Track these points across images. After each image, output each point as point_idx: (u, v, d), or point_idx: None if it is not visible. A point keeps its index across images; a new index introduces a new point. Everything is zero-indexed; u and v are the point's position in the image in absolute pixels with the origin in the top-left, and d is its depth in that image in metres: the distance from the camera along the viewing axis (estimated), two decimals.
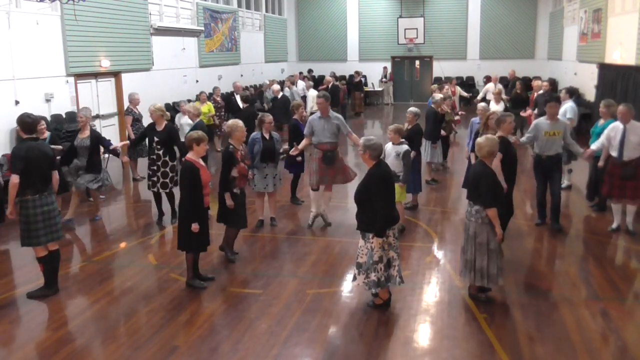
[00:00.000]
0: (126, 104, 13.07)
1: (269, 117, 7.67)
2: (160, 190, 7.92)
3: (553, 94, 11.22)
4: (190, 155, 5.76)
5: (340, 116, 7.74)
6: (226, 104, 14.02)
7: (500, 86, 14.25)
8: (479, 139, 5.41)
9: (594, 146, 7.35)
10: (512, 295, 5.60)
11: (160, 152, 7.82)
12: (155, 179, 7.88)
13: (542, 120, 7.38)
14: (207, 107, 12.59)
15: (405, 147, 7.11)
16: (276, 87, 13.86)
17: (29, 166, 5.46)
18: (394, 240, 5.21)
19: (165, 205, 8.17)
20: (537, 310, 5.27)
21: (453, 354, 4.55)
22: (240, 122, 6.51)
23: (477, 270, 5.29)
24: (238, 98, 13.29)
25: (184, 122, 10.03)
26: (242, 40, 20.41)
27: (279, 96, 13.41)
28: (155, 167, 7.87)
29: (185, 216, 5.71)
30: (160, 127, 7.86)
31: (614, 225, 7.37)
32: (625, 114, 6.94)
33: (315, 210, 7.82)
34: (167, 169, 7.85)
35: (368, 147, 5.05)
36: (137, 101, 11.09)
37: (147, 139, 8.19)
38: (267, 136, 7.56)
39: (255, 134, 7.60)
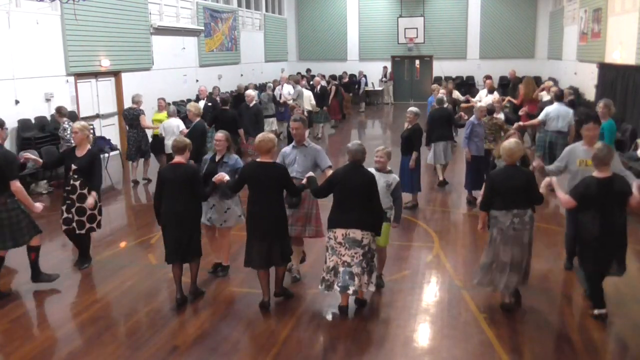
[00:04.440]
0: (129, 103, 13.09)
1: (217, 135, 5.99)
2: (77, 231, 6.24)
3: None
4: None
5: (319, 147, 6.06)
6: None
7: (496, 96, 12.55)
8: (509, 146, 5.16)
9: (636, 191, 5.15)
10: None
11: (77, 184, 6.14)
12: (70, 215, 6.18)
13: (577, 146, 5.92)
14: (164, 116, 10.56)
15: (396, 177, 5.72)
16: (250, 92, 11.86)
17: None
18: (337, 245, 5.05)
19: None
20: (537, 310, 5.27)
21: (453, 354, 4.55)
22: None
23: (528, 274, 5.21)
24: (201, 103, 12.05)
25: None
26: (242, 39, 20.41)
27: (251, 104, 11.49)
28: (69, 202, 6.16)
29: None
30: (81, 152, 6.19)
31: None
32: None
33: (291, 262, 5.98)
34: (85, 205, 6.14)
35: (347, 150, 5.20)
36: (140, 103, 10.69)
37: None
38: (217, 158, 5.99)
39: (210, 153, 6.42)
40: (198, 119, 8.65)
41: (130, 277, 6.27)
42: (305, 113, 9.70)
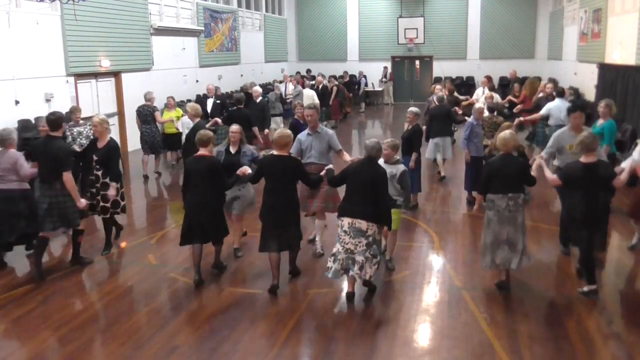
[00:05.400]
0: (130, 103, 13.18)
1: (232, 127, 6.61)
2: (101, 216, 6.87)
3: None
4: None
5: (331, 132, 6.76)
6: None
7: (487, 92, 13.11)
8: (503, 136, 5.67)
9: (625, 173, 5.83)
10: (512, 295, 5.60)
11: (100, 173, 6.70)
12: (94, 202, 6.77)
13: (565, 131, 6.53)
14: (176, 114, 11.51)
15: (402, 167, 6.13)
16: (257, 89, 12.28)
17: (36, 159, 6.37)
18: (342, 233, 5.34)
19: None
20: (537, 310, 5.28)
21: (453, 354, 4.55)
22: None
23: (526, 253, 5.57)
24: (210, 102, 12.58)
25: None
26: (242, 40, 20.41)
27: (258, 100, 11.75)
28: (94, 190, 6.75)
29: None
30: (102, 143, 6.70)
31: (634, 241, 6.76)
32: None
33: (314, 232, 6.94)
34: (108, 192, 6.69)
35: (364, 146, 5.49)
36: (153, 99, 11.34)
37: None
38: (232, 150, 6.55)
39: (221, 146, 6.76)
40: (197, 119, 8.62)
41: (130, 277, 6.27)
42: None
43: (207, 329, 5.00)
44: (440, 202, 9.16)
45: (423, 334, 4.94)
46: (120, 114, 13.47)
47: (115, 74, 13.44)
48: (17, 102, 10.39)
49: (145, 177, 11.00)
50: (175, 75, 15.93)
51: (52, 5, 10.43)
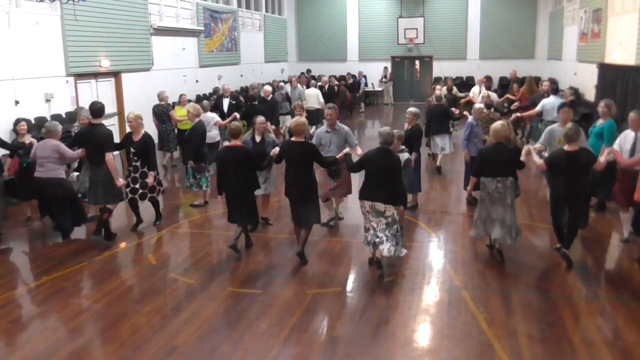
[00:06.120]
0: (130, 103, 13.20)
1: (259, 119, 7.67)
2: (139, 202, 7.70)
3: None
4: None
5: (347, 128, 7.58)
6: (214, 107, 13.15)
7: (484, 91, 13.72)
8: (495, 127, 6.35)
9: (603, 157, 6.49)
10: (512, 295, 5.61)
11: (138, 164, 7.54)
12: (136, 186, 7.59)
13: (555, 127, 7.38)
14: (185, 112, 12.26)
15: (406, 155, 7.05)
16: (268, 88, 13.28)
17: (83, 145, 7.23)
18: (366, 212, 6.02)
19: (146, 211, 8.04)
20: (537, 310, 5.28)
21: (453, 354, 4.56)
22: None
23: (516, 228, 6.31)
24: (225, 101, 12.81)
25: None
26: (242, 40, 20.42)
27: (269, 98, 12.95)
28: (133, 178, 7.59)
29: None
30: (137, 137, 7.47)
31: (625, 235, 6.99)
32: (635, 122, 6.67)
33: (329, 214, 7.88)
34: (147, 180, 7.58)
35: (379, 134, 6.06)
36: (167, 98, 11.82)
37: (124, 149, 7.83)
38: (257, 139, 7.57)
39: (247, 135, 7.74)
40: (197, 119, 8.64)
41: (130, 277, 6.28)
42: (305, 114, 9.93)
43: (207, 329, 5.00)
44: (440, 202, 9.16)
45: (423, 334, 4.94)
46: (120, 114, 13.47)
47: (115, 74, 13.44)
48: (17, 102, 10.40)
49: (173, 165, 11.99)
50: (175, 76, 15.93)
51: (52, 5, 10.44)
